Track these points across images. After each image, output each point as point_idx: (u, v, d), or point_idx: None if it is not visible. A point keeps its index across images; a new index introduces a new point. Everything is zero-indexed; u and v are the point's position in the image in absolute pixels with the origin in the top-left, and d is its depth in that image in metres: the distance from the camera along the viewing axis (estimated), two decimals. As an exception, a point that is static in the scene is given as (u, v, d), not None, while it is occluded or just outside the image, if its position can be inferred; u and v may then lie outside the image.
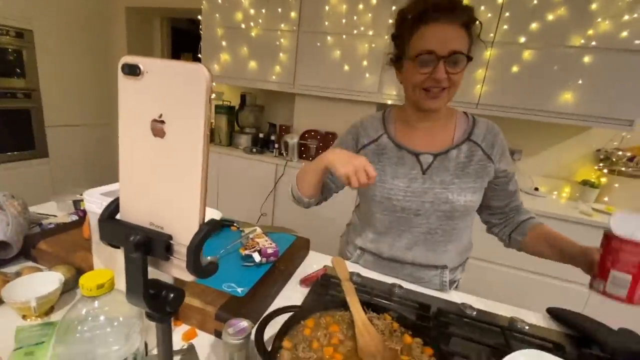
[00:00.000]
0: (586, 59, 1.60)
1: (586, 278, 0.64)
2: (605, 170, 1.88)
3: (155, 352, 0.49)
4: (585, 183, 1.90)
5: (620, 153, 1.81)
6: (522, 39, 1.69)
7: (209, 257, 0.78)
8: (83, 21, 2.71)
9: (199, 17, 2.37)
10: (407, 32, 0.71)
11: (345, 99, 2.16)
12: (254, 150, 2.39)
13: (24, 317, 0.57)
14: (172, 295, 0.32)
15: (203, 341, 0.58)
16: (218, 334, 0.59)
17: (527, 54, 1.70)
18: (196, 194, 0.27)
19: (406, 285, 0.80)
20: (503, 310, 0.75)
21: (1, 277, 0.60)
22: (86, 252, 0.71)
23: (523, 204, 0.88)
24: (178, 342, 0.57)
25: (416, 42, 0.69)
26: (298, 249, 0.88)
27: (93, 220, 0.57)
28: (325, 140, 2.25)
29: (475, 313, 0.71)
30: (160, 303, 0.32)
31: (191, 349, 0.55)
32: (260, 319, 0.53)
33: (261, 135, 2.50)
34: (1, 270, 0.65)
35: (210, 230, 0.28)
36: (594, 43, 1.58)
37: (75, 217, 0.91)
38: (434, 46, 0.67)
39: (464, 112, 0.84)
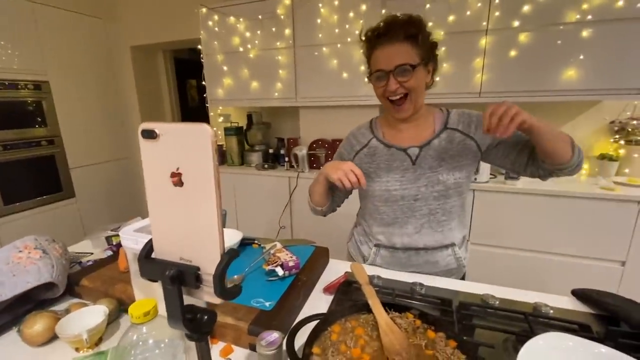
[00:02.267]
0: (584, 34, 1.58)
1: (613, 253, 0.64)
2: (622, 142, 1.84)
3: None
4: (603, 157, 1.86)
5: (635, 122, 1.77)
6: (516, 23, 1.69)
7: (235, 276, 0.83)
8: (93, 65, 2.87)
9: (199, 46, 2.48)
10: (367, 56, 0.87)
11: (348, 105, 2.20)
12: (266, 166, 2.45)
13: (76, 349, 0.63)
14: (205, 317, 0.37)
15: (239, 356, 0.62)
16: (252, 347, 0.63)
17: (523, 37, 1.69)
18: (214, 230, 0.32)
19: (427, 282, 0.82)
20: (527, 297, 0.76)
21: (53, 315, 0.66)
22: (124, 284, 0.77)
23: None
24: (217, 359, 0.62)
25: (372, 64, 0.85)
26: (318, 258, 0.91)
27: (130, 255, 0.63)
28: (333, 147, 2.29)
29: (497, 302, 0.73)
30: (197, 325, 0.37)
31: (229, 364, 0.60)
32: (289, 330, 0.57)
33: (271, 150, 2.57)
34: (52, 309, 0.72)
35: (230, 258, 0.33)
36: (589, 17, 1.56)
37: (109, 252, 0.98)
38: (381, 65, 0.81)
39: (440, 109, 0.94)
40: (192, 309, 0.37)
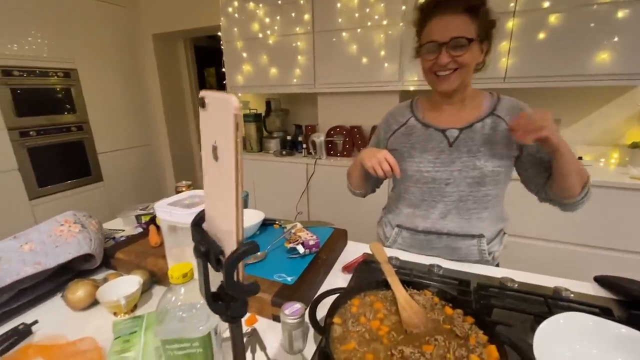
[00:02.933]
0: (619, 14, 1.50)
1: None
2: (656, 130, 1.75)
3: (224, 334, 0.57)
4: (635, 146, 1.77)
5: (672, 109, 1.67)
6: (546, 4, 1.61)
7: (258, 253, 0.85)
8: (117, 53, 2.95)
9: (219, 33, 2.50)
10: (419, 27, 0.83)
11: (367, 91, 2.18)
12: (284, 152, 2.48)
13: (115, 314, 0.68)
14: (233, 304, 0.32)
15: (263, 325, 0.66)
16: (275, 318, 0.66)
17: (553, 19, 1.62)
18: (232, 212, 0.28)
19: (445, 264, 0.83)
20: (547, 282, 0.76)
21: (93, 283, 0.72)
22: (155, 257, 0.82)
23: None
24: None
25: (424, 34, 0.80)
26: (337, 239, 0.93)
27: (164, 227, 0.67)
28: (352, 134, 2.29)
29: (516, 286, 0.73)
30: (223, 308, 0.32)
31: (254, 333, 0.63)
32: (312, 301, 0.60)
33: (289, 137, 2.59)
34: (91, 278, 0.77)
35: (247, 251, 0.28)
36: (627, -4, 1.47)
37: (140, 229, 1.03)
38: (435, 36, 0.77)
39: (490, 92, 0.89)
40: (223, 290, 0.32)
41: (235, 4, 2.36)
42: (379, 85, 2.09)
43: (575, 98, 1.91)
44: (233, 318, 0.31)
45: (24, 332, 0.63)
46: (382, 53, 2.02)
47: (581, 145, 1.94)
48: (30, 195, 2.40)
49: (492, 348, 0.48)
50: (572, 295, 0.69)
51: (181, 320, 0.40)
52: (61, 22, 2.51)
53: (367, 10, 1.99)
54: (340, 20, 2.07)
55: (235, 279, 0.27)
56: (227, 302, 0.31)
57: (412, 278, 0.75)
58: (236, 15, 2.39)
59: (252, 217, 0.95)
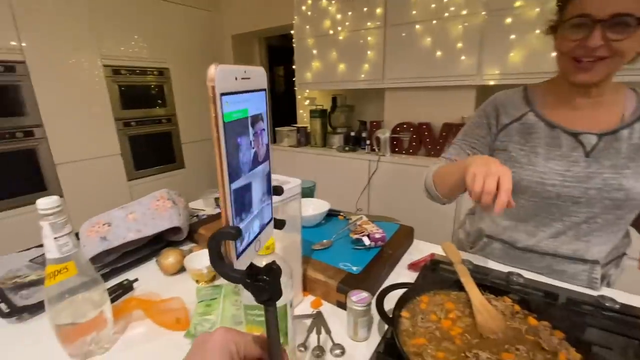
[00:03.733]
0: None
1: None
2: None
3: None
4: None
5: None
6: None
7: (324, 241, 0.88)
8: (201, 53, 3.27)
9: (292, 32, 2.60)
10: None
11: (439, 86, 2.07)
12: (347, 148, 2.49)
13: (197, 281, 0.77)
14: (265, 284, 0.26)
15: (327, 310, 0.67)
16: (340, 305, 0.67)
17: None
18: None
19: (527, 274, 0.75)
20: (659, 306, 0.64)
21: (181, 252, 0.82)
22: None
23: None
24: (307, 309, 0.68)
25: (574, 5, 0.61)
26: (403, 235, 0.91)
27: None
28: (419, 131, 2.20)
29: (618, 307, 0.63)
30: (258, 288, 0.26)
31: (319, 315, 0.65)
32: (379, 291, 0.59)
33: (352, 133, 2.59)
34: (180, 248, 0.88)
35: (223, 233, 0.22)
36: None
37: (218, 210, 1.14)
38: (590, 8, 0.57)
39: (632, 89, 0.71)
40: (254, 269, 0.26)
41: (309, 2, 2.43)
42: (453, 79, 1.96)
43: None
44: (266, 301, 0.26)
45: (127, 287, 0.74)
46: (459, 45, 1.90)
47: None
48: (128, 177, 2.80)
49: (588, 368, 0.43)
50: (696, 326, 0.57)
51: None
52: (157, 26, 2.87)
53: (445, 0, 1.88)
54: (414, 12, 2.00)
55: (217, 257, 0.23)
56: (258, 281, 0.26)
57: (489, 283, 0.69)
58: (309, 13, 2.46)
59: (319, 206, 0.97)
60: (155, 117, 2.98)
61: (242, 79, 0.23)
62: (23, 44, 2.09)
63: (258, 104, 0.25)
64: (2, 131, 2.08)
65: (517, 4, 1.70)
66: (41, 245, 0.95)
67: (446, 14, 1.90)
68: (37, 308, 0.67)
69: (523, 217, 0.77)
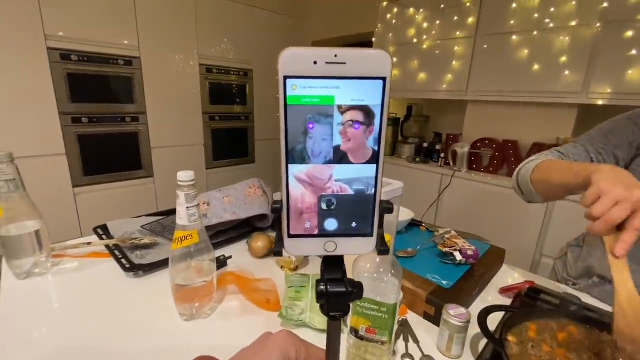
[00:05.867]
0: None
1: None
2: None
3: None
4: None
5: None
6: None
7: (409, 249, 0.85)
8: (282, 57, 3.45)
9: (373, 39, 2.62)
10: None
11: (532, 102, 1.90)
12: (417, 159, 2.41)
13: (282, 267, 0.80)
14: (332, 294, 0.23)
15: (412, 319, 0.65)
16: (427, 316, 0.65)
17: None
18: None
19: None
20: None
21: (270, 239, 0.86)
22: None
23: None
24: (392, 314, 0.67)
25: None
26: (494, 257, 0.84)
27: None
28: (503, 149, 2.03)
29: None
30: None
31: (405, 323, 0.64)
32: (481, 310, 0.56)
33: (425, 144, 2.50)
34: (268, 234, 0.93)
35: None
36: None
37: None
38: None
39: None
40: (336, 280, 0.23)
41: (395, 10, 2.43)
42: (552, 96, 1.78)
43: None
44: (332, 316, 0.23)
45: (223, 262, 0.81)
46: (563, 59, 1.72)
47: None
48: (207, 165, 3.07)
49: None
50: None
51: (373, 284, 0.43)
52: (245, 31, 3.10)
53: (552, 9, 1.72)
54: (512, 22, 1.87)
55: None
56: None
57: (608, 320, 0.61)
58: (394, 21, 2.45)
59: (404, 214, 0.95)
60: (235, 114, 3.22)
61: (329, 63, 0.21)
62: (140, 43, 2.44)
63: (359, 94, 0.21)
64: (117, 115, 2.44)
65: (644, 15, 1.48)
66: (150, 215, 1.09)
67: (551, 25, 1.74)
68: (150, 268, 0.77)
69: None
